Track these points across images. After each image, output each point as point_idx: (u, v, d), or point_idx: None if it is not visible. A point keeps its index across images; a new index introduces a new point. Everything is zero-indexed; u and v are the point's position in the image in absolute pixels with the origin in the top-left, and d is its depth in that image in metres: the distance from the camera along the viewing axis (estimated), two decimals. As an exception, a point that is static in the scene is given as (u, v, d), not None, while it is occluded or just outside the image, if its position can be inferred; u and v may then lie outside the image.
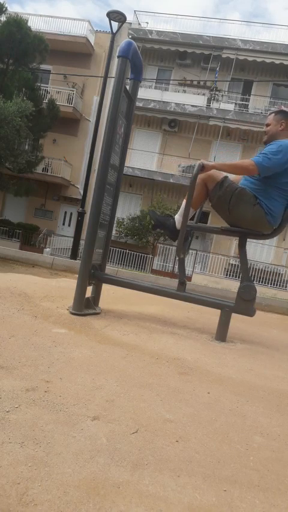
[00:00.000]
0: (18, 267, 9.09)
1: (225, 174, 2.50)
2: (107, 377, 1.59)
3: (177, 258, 2.87)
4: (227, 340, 2.46)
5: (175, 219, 2.65)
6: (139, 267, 14.54)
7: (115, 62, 3.11)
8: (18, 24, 13.51)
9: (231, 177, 2.55)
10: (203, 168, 2.41)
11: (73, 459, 1.03)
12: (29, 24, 14.14)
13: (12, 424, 1.15)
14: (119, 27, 11.49)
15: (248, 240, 2.60)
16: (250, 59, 15.97)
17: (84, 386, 1.48)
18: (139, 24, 17.51)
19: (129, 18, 14.62)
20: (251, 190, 2.44)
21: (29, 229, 17.03)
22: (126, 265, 14.45)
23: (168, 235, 2.72)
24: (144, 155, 17.01)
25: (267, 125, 2.54)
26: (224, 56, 16.13)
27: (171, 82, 17.49)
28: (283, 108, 2.58)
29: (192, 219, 2.69)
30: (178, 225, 2.59)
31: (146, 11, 30.84)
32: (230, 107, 16.13)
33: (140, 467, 1.05)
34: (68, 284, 3.42)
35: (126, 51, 2.47)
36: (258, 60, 15.86)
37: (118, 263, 14.36)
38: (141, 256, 14.73)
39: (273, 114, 2.55)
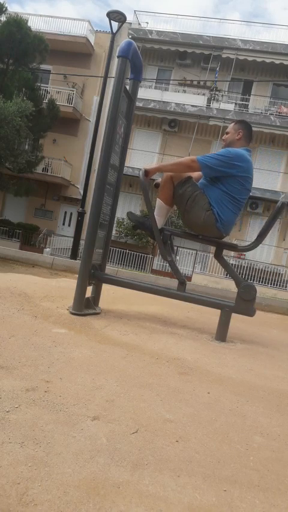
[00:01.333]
0: (18, 267, 9.08)
1: (189, 174, 2.55)
2: (107, 377, 1.59)
3: (177, 258, 2.89)
4: (227, 340, 2.46)
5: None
6: (139, 267, 14.53)
7: (115, 62, 3.11)
8: (18, 24, 13.51)
9: (194, 177, 2.60)
10: (147, 173, 2.50)
11: (73, 459, 1.03)
12: (29, 24, 14.13)
13: (12, 424, 1.15)
14: (119, 27, 11.49)
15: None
16: (250, 59, 15.96)
17: (84, 386, 1.48)
18: (139, 24, 17.50)
19: (129, 18, 14.62)
20: (207, 195, 2.49)
21: (29, 229, 17.02)
22: (126, 265, 14.44)
23: (149, 235, 2.76)
24: (144, 155, 17.00)
25: (227, 133, 2.60)
26: (224, 56, 16.12)
27: (171, 82, 17.48)
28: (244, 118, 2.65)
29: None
30: (158, 224, 2.62)
31: (146, 11, 30.84)
32: (230, 107, 16.13)
33: (140, 467, 1.05)
34: (68, 284, 3.42)
35: (126, 51, 2.47)
36: (258, 60, 15.85)
37: (118, 263, 14.35)
38: (141, 256, 14.72)
39: (233, 124, 2.60)
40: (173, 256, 2.82)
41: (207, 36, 16.32)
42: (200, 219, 2.48)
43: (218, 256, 2.69)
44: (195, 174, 2.60)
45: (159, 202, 2.62)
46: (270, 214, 2.56)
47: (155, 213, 2.63)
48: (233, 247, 2.72)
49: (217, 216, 2.45)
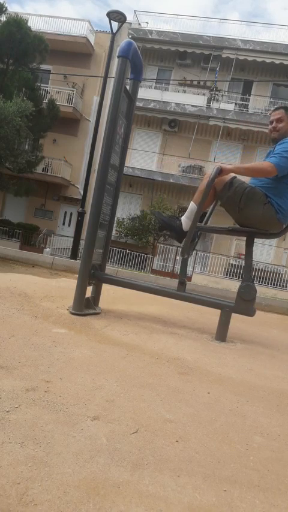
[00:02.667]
0: (18, 267, 9.08)
1: (232, 174, 2.48)
2: (107, 377, 1.59)
3: (177, 258, 2.87)
4: (227, 340, 2.46)
5: (182, 220, 2.61)
6: (139, 267, 14.53)
7: (115, 62, 3.11)
8: (18, 24, 13.51)
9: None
10: (221, 171, 2.39)
11: (73, 459, 1.03)
12: (29, 24, 14.13)
13: (12, 424, 1.15)
14: (119, 27, 11.48)
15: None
16: (250, 59, 15.97)
17: (84, 386, 1.48)
18: (139, 24, 17.50)
19: (129, 18, 14.62)
20: (261, 188, 2.43)
21: (29, 229, 17.02)
22: (126, 265, 14.44)
23: (174, 237, 2.68)
24: (144, 155, 16.99)
25: (279, 121, 2.47)
26: (224, 56, 16.12)
27: (171, 82, 17.48)
28: None
29: (201, 220, 2.68)
30: (185, 226, 2.56)
31: (146, 11, 30.84)
32: (230, 107, 16.13)
33: (140, 467, 1.05)
34: (68, 284, 3.42)
35: (126, 51, 2.47)
36: (258, 60, 15.85)
37: (118, 263, 14.35)
38: (141, 256, 14.72)
39: (282, 110, 2.48)
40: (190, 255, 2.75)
41: (207, 36, 16.32)
42: (258, 213, 2.41)
43: (248, 246, 2.57)
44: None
45: (193, 206, 2.52)
46: None
47: (184, 216, 2.57)
48: (264, 234, 2.56)
49: (277, 208, 2.39)
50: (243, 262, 2.60)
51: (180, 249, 2.79)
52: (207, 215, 2.80)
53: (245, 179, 2.53)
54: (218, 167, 2.39)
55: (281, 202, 2.40)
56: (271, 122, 2.54)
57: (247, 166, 2.44)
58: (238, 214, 2.51)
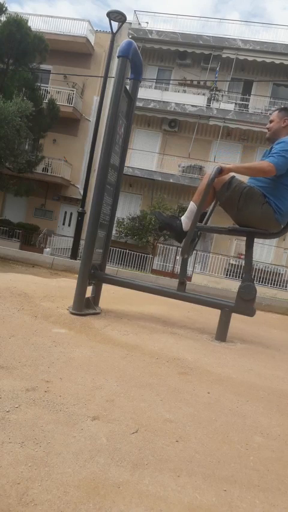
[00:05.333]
0: (18, 267, 9.08)
1: (232, 174, 2.50)
2: (107, 377, 1.59)
3: (178, 258, 2.86)
4: (227, 340, 2.46)
5: (182, 220, 2.61)
6: (139, 267, 14.53)
7: (115, 62, 3.11)
8: (18, 24, 13.51)
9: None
10: (221, 171, 2.40)
11: (73, 459, 1.03)
12: (29, 24, 14.14)
13: (12, 424, 1.15)
14: (119, 27, 11.48)
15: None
16: (250, 58, 15.97)
17: (84, 386, 1.48)
18: (139, 24, 17.50)
19: (129, 18, 14.61)
20: (260, 188, 2.45)
21: (29, 229, 17.02)
22: (126, 265, 14.44)
23: (174, 237, 2.69)
24: (144, 155, 17.00)
25: (271, 122, 2.56)
26: (224, 55, 16.12)
27: (171, 82, 17.48)
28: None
29: (201, 220, 2.68)
30: (185, 226, 2.57)
31: (146, 10, 30.84)
32: (230, 106, 16.13)
33: (140, 467, 1.05)
34: (68, 284, 3.42)
35: (126, 51, 2.46)
36: (258, 60, 15.85)
37: (118, 263, 14.35)
38: (141, 256, 14.72)
39: (277, 111, 2.56)
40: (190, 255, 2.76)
41: (207, 36, 16.33)
42: (257, 213, 2.43)
43: (249, 246, 2.57)
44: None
45: (193, 206, 2.54)
46: None
47: (184, 216, 2.58)
48: (264, 234, 2.56)
49: (275, 208, 2.41)
50: (243, 262, 2.60)
51: (180, 249, 2.79)
52: (207, 215, 2.80)
53: (244, 179, 2.54)
54: (218, 167, 2.40)
55: (279, 203, 2.42)
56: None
57: (246, 166, 2.46)
58: (236, 214, 2.52)
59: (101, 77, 15.40)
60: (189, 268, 13.83)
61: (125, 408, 1.36)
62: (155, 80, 17.51)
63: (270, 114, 2.67)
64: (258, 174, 2.45)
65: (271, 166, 2.33)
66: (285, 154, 2.33)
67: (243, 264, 2.63)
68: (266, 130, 2.60)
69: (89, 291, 2.62)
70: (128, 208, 17.06)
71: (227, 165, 2.44)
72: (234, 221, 2.60)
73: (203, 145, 16.75)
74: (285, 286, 13.59)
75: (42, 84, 15.97)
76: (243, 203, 2.43)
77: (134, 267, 14.48)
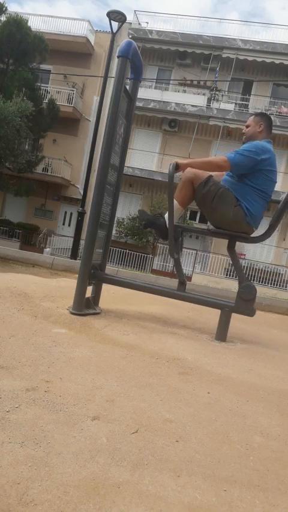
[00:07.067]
0: (18, 267, 9.08)
1: (209, 173, 2.53)
2: (107, 377, 1.59)
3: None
4: (227, 340, 2.46)
5: (165, 218, 2.65)
6: (139, 267, 14.53)
7: (115, 62, 3.11)
8: (18, 24, 13.51)
9: (215, 174, 2.58)
10: (177, 167, 2.47)
11: (73, 459, 1.03)
12: (28, 24, 14.13)
13: (12, 424, 1.15)
14: (119, 27, 11.48)
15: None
16: (250, 58, 15.96)
17: (84, 386, 1.48)
18: (139, 24, 17.49)
19: (129, 18, 14.60)
20: (233, 191, 2.48)
21: (29, 229, 17.02)
22: (126, 265, 14.44)
23: (158, 234, 2.73)
24: (144, 155, 16.99)
25: (247, 126, 2.58)
26: (224, 55, 16.12)
27: (171, 82, 17.47)
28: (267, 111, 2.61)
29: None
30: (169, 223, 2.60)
31: (146, 11, 30.84)
32: (230, 106, 16.13)
33: (140, 467, 1.05)
34: (68, 284, 3.42)
35: (126, 51, 2.47)
36: (258, 60, 15.85)
37: (118, 263, 14.35)
38: (141, 256, 14.72)
39: (253, 116, 2.59)
40: (179, 254, 2.79)
41: (207, 36, 16.32)
42: (228, 215, 2.46)
43: (231, 249, 2.62)
44: (217, 173, 2.59)
45: (169, 205, 2.57)
46: (280, 205, 2.53)
47: (167, 213, 2.61)
48: (245, 238, 2.61)
49: (246, 211, 2.43)
50: (233, 265, 2.64)
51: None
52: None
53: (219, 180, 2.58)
54: (173, 162, 2.46)
55: (249, 206, 2.45)
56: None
57: (203, 160, 2.53)
58: (210, 214, 2.56)
59: (101, 77, 15.39)
60: (189, 268, 13.84)
61: (125, 408, 1.36)
62: (155, 80, 17.50)
63: (270, 114, 2.67)
64: (214, 169, 2.50)
65: (226, 162, 2.37)
66: (247, 154, 2.35)
67: (232, 268, 2.67)
68: (245, 131, 2.60)
69: (89, 291, 2.62)
70: (128, 208, 17.05)
71: (184, 161, 2.49)
72: (208, 221, 2.63)
73: (203, 145, 16.74)
74: (285, 286, 13.59)
75: (42, 84, 15.97)
76: (216, 204, 2.47)
77: (134, 267, 14.47)
